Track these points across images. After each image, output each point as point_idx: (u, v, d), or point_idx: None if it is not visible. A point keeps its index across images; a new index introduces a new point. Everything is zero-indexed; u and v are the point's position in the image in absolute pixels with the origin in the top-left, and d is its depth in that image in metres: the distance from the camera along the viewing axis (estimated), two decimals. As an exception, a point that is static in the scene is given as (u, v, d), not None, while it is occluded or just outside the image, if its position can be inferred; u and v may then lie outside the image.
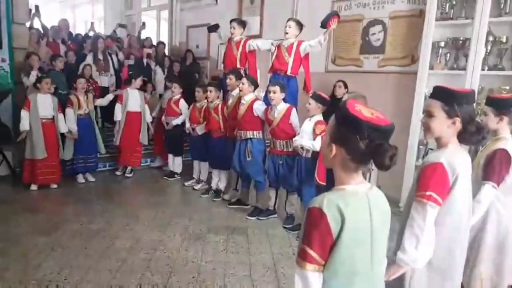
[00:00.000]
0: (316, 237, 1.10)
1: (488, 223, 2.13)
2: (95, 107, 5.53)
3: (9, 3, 5.31)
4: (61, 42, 6.78)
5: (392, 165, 1.09)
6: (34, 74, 5.03)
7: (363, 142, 1.09)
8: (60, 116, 4.93)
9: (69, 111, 5.01)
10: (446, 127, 1.64)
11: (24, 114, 4.66)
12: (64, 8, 12.59)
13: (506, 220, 2.14)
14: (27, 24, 6.10)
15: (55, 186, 4.95)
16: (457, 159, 1.63)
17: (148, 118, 5.68)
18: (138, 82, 5.58)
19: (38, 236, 3.54)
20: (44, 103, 4.77)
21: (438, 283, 1.71)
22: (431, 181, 1.59)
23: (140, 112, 5.59)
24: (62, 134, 4.99)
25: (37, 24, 6.64)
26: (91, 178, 5.36)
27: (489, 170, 2.08)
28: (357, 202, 1.15)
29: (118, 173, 5.75)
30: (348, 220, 1.09)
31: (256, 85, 4.27)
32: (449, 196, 1.62)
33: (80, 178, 5.27)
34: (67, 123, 4.97)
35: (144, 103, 5.66)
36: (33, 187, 4.82)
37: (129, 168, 5.73)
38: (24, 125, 4.65)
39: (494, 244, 2.15)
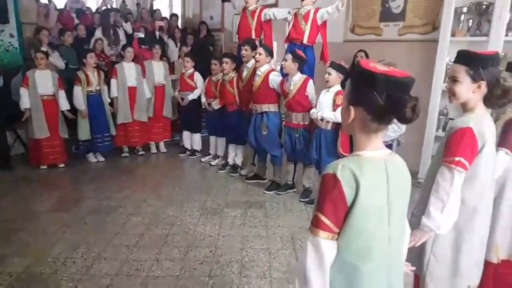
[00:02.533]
0: (329, 203, 1.05)
1: (505, 191, 2.05)
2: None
3: (15, -25, 5.18)
4: (75, 15, 6.67)
5: (415, 117, 1.03)
6: (44, 49, 4.93)
7: (382, 97, 1.03)
8: (61, 93, 4.76)
9: (76, 88, 4.81)
10: (471, 91, 1.60)
11: (23, 91, 4.53)
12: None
13: None
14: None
15: (62, 165, 4.88)
16: (485, 124, 1.60)
17: (147, 94, 5.40)
18: (158, 51, 5.45)
19: (56, 213, 3.57)
20: (43, 80, 4.62)
21: (455, 251, 1.68)
22: (460, 146, 1.56)
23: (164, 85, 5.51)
24: (76, 113, 4.90)
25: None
26: (101, 158, 5.20)
27: (504, 136, 2.00)
28: (374, 168, 1.09)
29: (124, 154, 5.43)
30: (363, 186, 1.03)
31: (272, 55, 4.14)
32: (475, 162, 1.59)
33: (92, 157, 5.16)
34: (75, 101, 4.80)
35: (169, 75, 5.54)
36: (43, 166, 4.78)
37: (138, 147, 5.55)
38: (25, 103, 4.53)
39: (511, 212, 2.08)
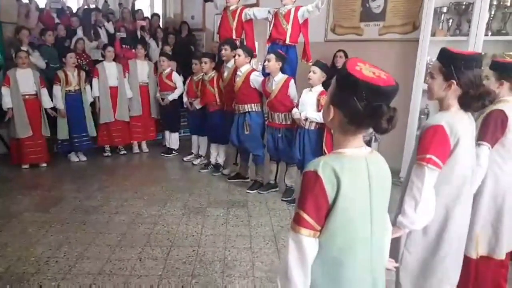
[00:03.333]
0: (310, 201, 1.05)
1: (485, 185, 2.09)
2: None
3: (-5, -25, 5.11)
4: (56, 15, 6.58)
5: (390, 128, 1.04)
6: (25, 49, 4.87)
7: (361, 104, 1.03)
8: (44, 91, 4.73)
9: (55, 88, 4.80)
10: (442, 89, 1.61)
11: (5, 91, 4.50)
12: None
13: (503, 182, 2.11)
14: (15, -3, 5.91)
15: (44, 164, 4.84)
16: (458, 123, 1.59)
17: (129, 94, 5.40)
18: (140, 51, 5.47)
19: (36, 212, 3.52)
20: (25, 79, 4.59)
21: (433, 245, 1.70)
22: (431, 144, 1.56)
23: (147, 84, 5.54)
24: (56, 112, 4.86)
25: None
26: (83, 157, 5.18)
27: (483, 130, 2.04)
28: (355, 166, 1.10)
29: (106, 154, 5.44)
30: (344, 184, 1.04)
31: (251, 55, 4.15)
32: (450, 159, 1.60)
33: (73, 157, 5.13)
34: (54, 101, 4.78)
35: (153, 74, 5.56)
36: (24, 165, 4.73)
37: (120, 146, 5.55)
38: (7, 102, 4.50)
39: (491, 207, 2.13)
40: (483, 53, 3.98)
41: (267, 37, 4.38)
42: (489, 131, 2.03)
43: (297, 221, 1.07)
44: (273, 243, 3.09)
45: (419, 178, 1.56)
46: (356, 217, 1.09)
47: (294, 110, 3.70)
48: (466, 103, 1.60)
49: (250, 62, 4.13)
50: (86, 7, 6.91)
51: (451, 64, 1.57)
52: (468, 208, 1.75)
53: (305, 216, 1.06)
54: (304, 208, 1.06)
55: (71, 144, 5.04)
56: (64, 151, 5.09)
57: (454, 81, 1.57)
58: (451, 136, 1.57)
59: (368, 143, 4.47)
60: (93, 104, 5.21)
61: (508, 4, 3.88)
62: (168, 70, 5.29)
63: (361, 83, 1.02)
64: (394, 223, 1.73)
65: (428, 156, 1.55)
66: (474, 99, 1.57)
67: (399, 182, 4.45)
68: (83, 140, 5.09)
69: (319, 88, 3.56)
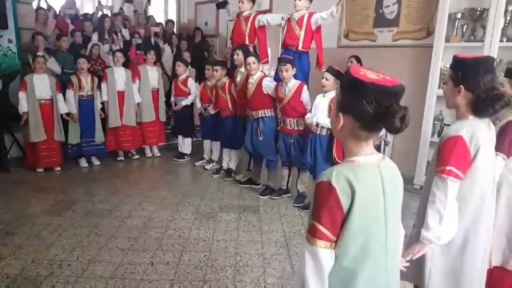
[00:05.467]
0: (325, 212, 1.03)
1: (499, 197, 2.04)
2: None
3: (14, -18, 5.24)
4: (70, 21, 6.72)
5: (403, 127, 1.02)
6: (41, 54, 4.97)
7: (370, 106, 1.02)
8: (60, 96, 4.80)
9: (68, 92, 4.87)
10: (453, 95, 1.61)
11: (21, 95, 4.58)
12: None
13: None
14: (34, 4, 6.05)
15: (58, 168, 4.90)
16: (477, 131, 1.57)
17: (137, 99, 5.43)
18: (153, 57, 5.52)
19: (51, 216, 3.56)
20: (41, 84, 4.67)
21: (459, 259, 1.65)
22: (451, 155, 1.54)
23: (157, 89, 5.61)
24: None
25: (43, 4, 6.56)
26: (96, 162, 5.22)
27: (500, 140, 1.98)
28: (368, 173, 1.08)
29: (119, 158, 5.49)
30: (358, 192, 1.02)
31: (260, 60, 4.17)
32: (471, 170, 1.57)
33: (83, 162, 5.15)
34: (67, 105, 4.85)
35: (162, 80, 5.64)
36: (39, 169, 4.81)
37: (132, 151, 5.59)
38: (23, 106, 4.59)
39: (505, 217, 2.09)
40: (498, 59, 3.93)
41: (280, 43, 4.38)
42: (505, 143, 2.01)
43: (313, 233, 1.05)
44: (284, 249, 3.07)
45: (441, 191, 1.54)
46: (371, 226, 1.07)
47: (307, 115, 3.69)
48: (477, 108, 1.57)
49: (262, 68, 4.14)
50: (100, 13, 7.04)
51: (459, 69, 1.58)
52: (492, 218, 1.72)
53: (321, 227, 1.04)
54: (319, 219, 1.04)
55: (80, 149, 5.10)
56: (75, 156, 5.14)
57: (462, 87, 1.56)
58: (471, 146, 1.55)
59: (378, 148, 4.43)
60: (102, 110, 5.26)
61: (524, 10, 3.83)
62: (183, 76, 5.33)
63: (368, 85, 1.02)
64: (411, 234, 1.71)
65: (448, 168, 1.53)
66: (485, 104, 1.54)
67: (413, 189, 4.43)
68: (91, 146, 5.14)
69: (332, 94, 3.54)
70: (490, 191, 1.67)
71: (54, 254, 2.88)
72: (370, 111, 1.02)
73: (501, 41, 3.90)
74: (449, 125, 4.27)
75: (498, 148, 1.97)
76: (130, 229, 3.33)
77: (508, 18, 3.91)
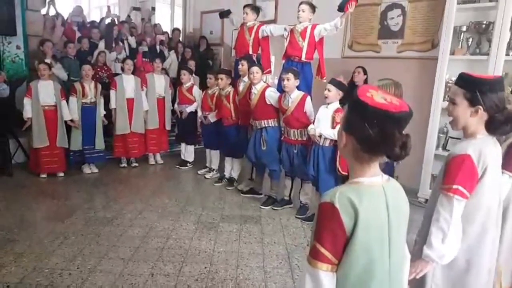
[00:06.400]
0: (328, 234, 1.02)
1: (507, 216, 2.02)
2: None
3: (23, -10, 5.32)
4: (77, 28, 6.79)
5: (404, 155, 1.01)
6: (48, 61, 5.01)
7: (373, 130, 1.00)
8: (64, 103, 4.83)
9: (71, 99, 4.90)
10: (468, 115, 1.57)
11: (26, 101, 4.62)
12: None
13: None
14: (42, 12, 6.12)
15: (61, 174, 4.93)
16: (485, 150, 1.55)
17: (145, 106, 5.47)
18: (158, 65, 5.56)
19: (52, 222, 3.57)
20: (46, 90, 4.70)
21: (462, 279, 1.63)
22: (458, 174, 1.52)
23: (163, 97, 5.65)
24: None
25: (52, 12, 6.63)
26: (95, 169, 5.21)
27: (506, 159, 1.96)
28: (373, 195, 1.07)
29: (122, 165, 5.53)
30: (362, 214, 1.01)
31: (262, 71, 4.19)
32: (477, 189, 1.56)
33: (86, 169, 5.17)
34: (70, 112, 4.88)
35: (169, 88, 5.68)
36: (43, 175, 4.83)
37: (132, 158, 5.59)
38: (27, 112, 4.62)
39: None
40: (504, 73, 3.92)
41: (283, 53, 4.39)
42: None
43: (314, 255, 1.04)
44: (286, 263, 3.05)
45: (446, 209, 1.53)
46: (374, 248, 1.05)
47: (310, 127, 3.69)
48: (493, 127, 1.57)
49: (265, 78, 4.16)
50: (108, 20, 7.11)
51: (476, 89, 1.54)
52: (497, 239, 1.69)
53: (322, 249, 1.02)
54: (321, 241, 1.03)
55: (82, 156, 5.12)
56: (77, 162, 5.16)
57: (481, 107, 1.54)
58: (479, 165, 1.54)
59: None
60: (107, 117, 5.28)
61: (530, 24, 3.82)
62: (188, 83, 5.37)
63: (371, 109, 1.00)
64: (413, 251, 1.69)
65: (455, 186, 1.51)
66: (502, 123, 1.54)
67: (417, 201, 4.39)
68: (93, 152, 5.15)
69: (335, 105, 3.55)
70: (496, 211, 1.65)
71: (55, 262, 2.87)
72: (372, 135, 1.01)
73: (507, 54, 3.88)
74: (454, 138, 4.26)
75: (505, 166, 1.95)
76: (131, 238, 3.33)
77: (514, 32, 3.89)
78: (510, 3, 3.74)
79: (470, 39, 4.23)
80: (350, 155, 1.10)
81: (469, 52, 4.24)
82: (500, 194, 1.70)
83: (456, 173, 1.53)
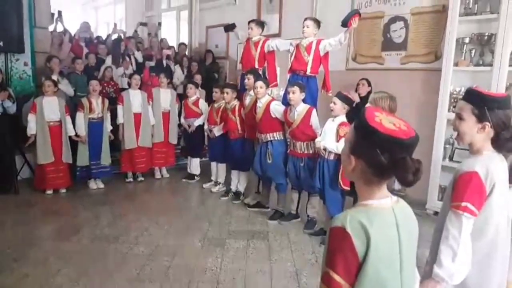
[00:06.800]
0: (340, 259, 1.00)
1: None
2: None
3: (32, 8, 5.40)
4: (84, 44, 6.88)
5: (416, 181, 1.01)
6: (55, 77, 5.07)
7: (384, 156, 1.00)
8: (68, 119, 4.86)
9: (78, 115, 4.93)
10: (475, 131, 1.57)
11: (31, 117, 4.65)
12: (86, 10, 12.80)
13: None
14: (50, 28, 6.20)
15: (64, 190, 4.93)
16: (492, 167, 1.55)
17: (152, 121, 5.50)
18: (162, 80, 5.60)
19: (58, 240, 3.57)
20: (51, 106, 4.73)
21: None
22: (466, 191, 1.52)
23: (169, 111, 5.66)
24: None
25: (59, 29, 6.73)
26: (101, 185, 5.20)
27: None
28: (383, 218, 1.06)
29: (128, 179, 5.52)
30: (374, 238, 0.99)
31: (268, 85, 4.22)
32: (486, 206, 1.55)
33: (92, 184, 5.17)
34: (76, 128, 4.90)
35: (175, 103, 5.72)
36: (48, 191, 4.85)
37: (138, 173, 5.58)
38: (31, 128, 4.65)
39: None
40: (508, 84, 3.90)
41: (288, 67, 4.41)
42: None
43: (327, 283, 1.02)
44: (294, 281, 3.00)
45: (455, 227, 1.52)
46: (386, 272, 1.04)
47: (317, 139, 3.68)
48: (500, 144, 1.58)
49: (270, 92, 4.17)
50: (115, 35, 7.19)
51: (485, 105, 1.54)
52: (507, 255, 1.68)
53: (335, 276, 1.01)
54: (334, 267, 1.01)
55: (89, 171, 5.13)
56: (83, 177, 5.17)
57: (488, 123, 1.54)
58: (487, 182, 1.53)
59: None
60: (114, 132, 5.31)
61: (532, 34, 3.81)
62: (194, 97, 5.41)
63: (382, 136, 1.00)
64: (425, 270, 1.66)
65: (463, 204, 1.51)
66: (508, 141, 1.55)
67: (425, 213, 4.35)
68: (99, 168, 5.16)
69: (341, 118, 3.54)
70: (505, 227, 1.64)
71: (60, 283, 2.85)
72: (383, 161, 1.01)
73: (511, 65, 3.86)
74: (460, 149, 4.22)
75: (511, 180, 1.94)
76: (136, 257, 3.30)
77: (517, 43, 3.88)
78: (511, 15, 3.73)
79: (473, 50, 4.23)
80: (359, 178, 1.10)
81: (472, 63, 4.23)
82: (508, 210, 1.68)
83: (464, 191, 1.53)
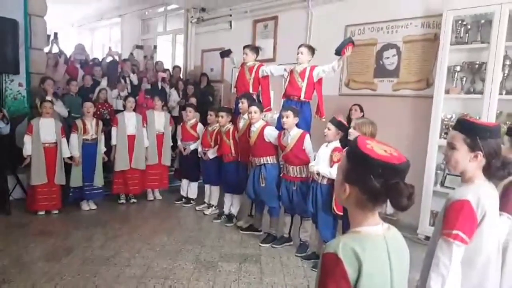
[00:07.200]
0: (332, 285, 1.03)
1: (506, 257, 2.00)
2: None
3: (28, 29, 5.47)
4: (79, 65, 6.94)
5: (410, 205, 1.04)
6: (49, 98, 5.09)
7: (378, 181, 1.04)
8: (63, 140, 4.87)
9: (72, 136, 4.94)
10: (468, 160, 1.61)
11: (27, 139, 4.65)
12: (82, 32, 12.93)
13: None
14: (45, 50, 6.26)
15: (56, 211, 4.89)
16: (484, 195, 1.58)
17: (146, 143, 5.51)
18: (157, 102, 5.65)
19: (49, 262, 3.51)
20: (47, 128, 4.74)
21: None
22: (458, 219, 1.54)
23: (163, 133, 5.69)
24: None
25: (55, 50, 6.80)
26: (93, 206, 5.18)
27: (505, 200, 1.98)
28: (375, 245, 1.08)
29: (121, 201, 5.49)
30: (365, 265, 1.02)
31: (262, 109, 4.29)
32: (476, 234, 1.57)
33: (85, 205, 5.14)
34: (70, 149, 4.90)
35: (169, 125, 5.75)
36: (41, 212, 4.80)
37: (130, 195, 5.54)
38: (27, 150, 4.64)
39: None
40: (498, 112, 3.99)
41: (282, 92, 4.48)
42: (510, 202, 1.97)
43: None
44: (286, 304, 3.00)
45: (445, 255, 1.54)
46: None
47: (311, 163, 3.72)
48: (491, 173, 1.61)
49: (264, 116, 4.23)
50: (110, 58, 7.27)
51: (477, 135, 1.58)
52: (498, 283, 1.70)
53: None
54: None
55: (82, 192, 5.10)
56: (76, 198, 5.13)
57: (480, 152, 1.58)
58: (478, 210, 1.56)
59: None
60: (107, 153, 5.30)
61: (521, 64, 3.94)
62: (193, 120, 5.45)
63: (375, 162, 1.04)
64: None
65: (455, 232, 1.53)
66: (499, 169, 1.59)
67: (417, 238, 4.36)
68: (93, 189, 5.14)
69: (334, 144, 3.59)
70: (496, 255, 1.66)
71: (49, 306, 2.81)
72: (377, 186, 1.04)
73: (501, 93, 3.97)
74: (451, 175, 4.28)
75: (503, 207, 1.97)
76: (128, 279, 3.26)
77: (506, 71, 4.00)
78: (501, 45, 3.87)
79: (464, 78, 4.34)
80: (353, 205, 1.12)
81: (463, 91, 4.33)
82: (499, 237, 1.71)
83: (456, 218, 1.54)
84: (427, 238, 4.11)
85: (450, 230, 1.53)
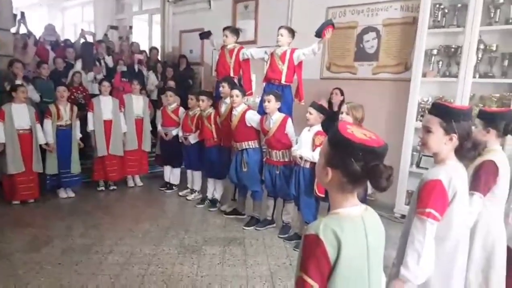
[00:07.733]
0: (313, 264, 1.08)
1: (476, 233, 2.16)
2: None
3: (-8, 9, 5.17)
4: (50, 47, 6.66)
5: (389, 186, 1.09)
6: (19, 82, 4.86)
7: (359, 164, 1.08)
8: (38, 126, 4.69)
9: (46, 122, 4.75)
10: (443, 143, 1.68)
11: None
12: (52, 11, 12.40)
13: (493, 230, 2.19)
14: (12, 30, 5.94)
15: (32, 200, 4.75)
16: (455, 176, 1.67)
17: (124, 128, 5.40)
18: (136, 86, 5.52)
19: (28, 252, 3.44)
20: (20, 114, 4.54)
21: None
22: (430, 198, 1.63)
23: (142, 118, 5.58)
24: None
25: (23, 31, 6.46)
26: (71, 194, 5.06)
27: (476, 180, 2.11)
28: (353, 225, 1.14)
29: (100, 188, 5.38)
30: (344, 244, 1.07)
31: (245, 94, 4.25)
32: (448, 212, 1.67)
33: (62, 193, 5.02)
34: (44, 135, 4.73)
35: (148, 109, 5.64)
36: (15, 201, 4.65)
37: (110, 182, 5.44)
38: (0, 137, 4.44)
39: (482, 254, 2.20)
40: (472, 94, 4.11)
41: (263, 77, 4.45)
42: (481, 182, 2.10)
43: (301, 286, 1.09)
44: (270, 284, 3.05)
45: (420, 232, 1.63)
46: (355, 275, 1.13)
47: (293, 148, 3.75)
48: (462, 154, 1.70)
49: (246, 100, 4.20)
50: (83, 40, 7.01)
51: (452, 118, 1.65)
52: (466, 258, 1.83)
53: (309, 280, 1.08)
54: (308, 272, 1.08)
55: (59, 180, 4.97)
56: (53, 186, 5.00)
57: (455, 135, 1.66)
58: (449, 190, 1.65)
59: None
60: (84, 139, 5.17)
61: (494, 48, 4.04)
62: (174, 105, 5.32)
63: (355, 145, 1.08)
64: (394, 264, 1.77)
65: (428, 210, 1.62)
66: (470, 150, 1.69)
67: (393, 217, 4.51)
68: (69, 176, 5.01)
69: (316, 127, 3.62)
70: (465, 232, 1.79)
71: (31, 295, 2.76)
72: (358, 169, 1.08)
73: (474, 77, 4.08)
74: (426, 156, 4.41)
75: (474, 187, 2.10)
76: (111, 266, 3.24)
77: (480, 55, 4.10)
78: (475, 29, 3.95)
79: (441, 62, 4.44)
80: (335, 187, 1.17)
81: (439, 74, 4.43)
82: (474, 215, 1.88)
83: (428, 198, 1.64)
84: (403, 216, 4.26)
85: (424, 209, 1.63)
